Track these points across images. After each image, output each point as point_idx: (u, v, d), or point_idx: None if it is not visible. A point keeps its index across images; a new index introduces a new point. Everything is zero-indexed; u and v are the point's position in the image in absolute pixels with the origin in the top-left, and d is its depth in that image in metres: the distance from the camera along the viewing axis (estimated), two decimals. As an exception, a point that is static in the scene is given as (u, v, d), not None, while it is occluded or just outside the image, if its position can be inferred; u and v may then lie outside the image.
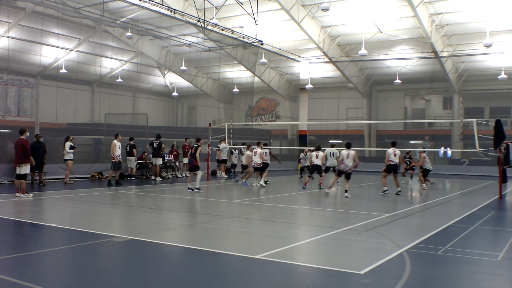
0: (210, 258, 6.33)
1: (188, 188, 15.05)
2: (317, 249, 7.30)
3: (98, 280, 5.38)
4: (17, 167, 12.55)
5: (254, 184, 17.35)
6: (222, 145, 22.99)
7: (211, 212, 11.28)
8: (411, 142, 38.68)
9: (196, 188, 14.74)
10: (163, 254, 6.70)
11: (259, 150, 17.42)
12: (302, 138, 35.64)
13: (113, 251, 6.87)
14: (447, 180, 24.20)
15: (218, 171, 23.99)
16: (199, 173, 15.10)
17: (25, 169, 12.52)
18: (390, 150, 15.17)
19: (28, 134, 12.87)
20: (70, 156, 17.18)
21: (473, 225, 9.37)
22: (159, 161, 20.04)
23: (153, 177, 19.77)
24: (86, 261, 6.22)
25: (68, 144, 17.15)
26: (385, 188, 14.99)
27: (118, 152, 17.03)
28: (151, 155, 20.32)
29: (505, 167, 15.11)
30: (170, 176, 21.62)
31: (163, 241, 7.32)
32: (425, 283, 5.46)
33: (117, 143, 17.10)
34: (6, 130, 22.70)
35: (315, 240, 7.73)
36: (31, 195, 12.77)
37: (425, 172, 17.88)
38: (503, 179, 15.44)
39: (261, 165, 17.30)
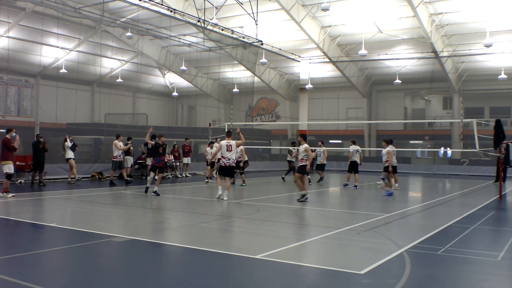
0: (210, 258, 6.33)
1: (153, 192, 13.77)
2: (317, 249, 7.30)
3: (98, 280, 5.37)
4: (1, 166, 12.51)
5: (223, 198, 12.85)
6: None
7: (211, 212, 11.27)
8: (411, 142, 38.70)
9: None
10: (163, 254, 6.70)
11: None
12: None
13: (113, 251, 6.87)
14: (447, 180, 24.18)
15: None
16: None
17: (8, 168, 12.41)
18: (389, 149, 15.29)
19: (13, 134, 12.80)
20: (71, 155, 17.20)
21: (473, 225, 9.36)
22: None
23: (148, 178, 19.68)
24: (86, 261, 6.22)
25: (67, 143, 17.15)
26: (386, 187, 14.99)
27: (118, 152, 17.34)
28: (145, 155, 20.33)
29: (506, 166, 15.12)
30: (170, 176, 21.63)
31: (163, 241, 7.33)
32: (425, 283, 5.46)
33: (118, 143, 17.44)
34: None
35: (315, 240, 7.72)
36: (11, 195, 12.26)
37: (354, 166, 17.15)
38: (503, 178, 15.44)
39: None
